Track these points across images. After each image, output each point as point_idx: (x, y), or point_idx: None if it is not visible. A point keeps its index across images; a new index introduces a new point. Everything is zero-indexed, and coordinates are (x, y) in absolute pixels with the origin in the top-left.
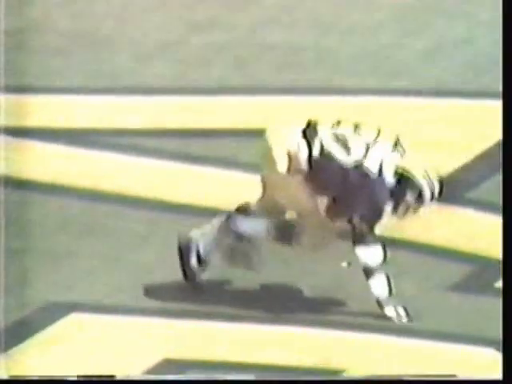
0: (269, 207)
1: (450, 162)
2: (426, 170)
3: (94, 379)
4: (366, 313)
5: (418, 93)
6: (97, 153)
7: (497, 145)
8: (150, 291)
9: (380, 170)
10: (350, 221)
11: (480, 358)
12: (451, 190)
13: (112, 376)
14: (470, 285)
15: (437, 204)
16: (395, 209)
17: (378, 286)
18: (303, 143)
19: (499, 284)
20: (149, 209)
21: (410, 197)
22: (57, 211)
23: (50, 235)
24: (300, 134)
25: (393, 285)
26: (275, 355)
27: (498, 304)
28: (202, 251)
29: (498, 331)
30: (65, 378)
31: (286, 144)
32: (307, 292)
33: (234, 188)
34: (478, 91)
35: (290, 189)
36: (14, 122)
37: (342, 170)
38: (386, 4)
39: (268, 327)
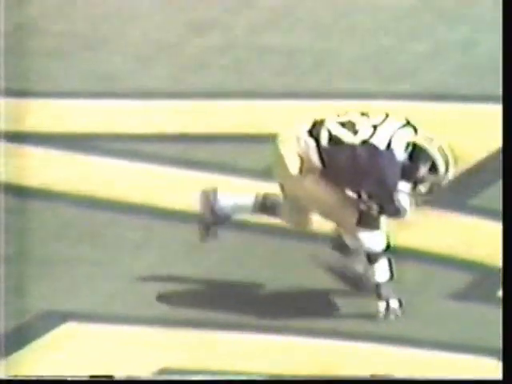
0: (292, 209)
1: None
2: (441, 144)
3: (94, 379)
4: (364, 320)
5: (419, 96)
6: (94, 158)
7: (497, 150)
8: (147, 300)
9: (389, 145)
10: (359, 200)
11: (480, 368)
12: (453, 197)
13: (111, 376)
14: (472, 293)
15: (438, 210)
16: (412, 184)
17: (381, 271)
18: (311, 141)
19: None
20: (146, 216)
21: (423, 169)
22: (53, 218)
23: (47, 242)
24: (307, 134)
25: (394, 269)
26: (278, 364)
27: (499, 313)
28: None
29: (499, 341)
30: (64, 378)
31: (295, 146)
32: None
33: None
34: (479, 95)
35: (307, 189)
36: (9, 127)
37: (351, 148)
38: (386, 6)
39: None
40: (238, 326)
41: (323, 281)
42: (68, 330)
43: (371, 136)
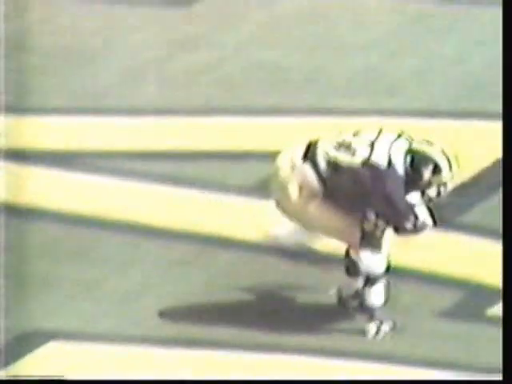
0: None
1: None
2: (440, 146)
3: (93, 379)
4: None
5: (410, 113)
6: (80, 175)
7: (489, 167)
8: (134, 318)
9: (389, 162)
10: (364, 220)
11: None
12: (443, 214)
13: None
14: (461, 311)
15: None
16: (420, 193)
17: (376, 294)
18: (307, 167)
19: (491, 311)
20: (134, 234)
21: (427, 173)
22: (38, 236)
23: (32, 261)
24: (302, 160)
25: (389, 293)
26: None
27: (489, 331)
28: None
29: (489, 358)
30: (64, 378)
31: (292, 174)
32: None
33: (222, 211)
34: (470, 111)
35: (310, 214)
36: None
37: (351, 170)
38: (377, 23)
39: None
40: (226, 344)
41: (313, 297)
42: (52, 348)
43: (370, 154)
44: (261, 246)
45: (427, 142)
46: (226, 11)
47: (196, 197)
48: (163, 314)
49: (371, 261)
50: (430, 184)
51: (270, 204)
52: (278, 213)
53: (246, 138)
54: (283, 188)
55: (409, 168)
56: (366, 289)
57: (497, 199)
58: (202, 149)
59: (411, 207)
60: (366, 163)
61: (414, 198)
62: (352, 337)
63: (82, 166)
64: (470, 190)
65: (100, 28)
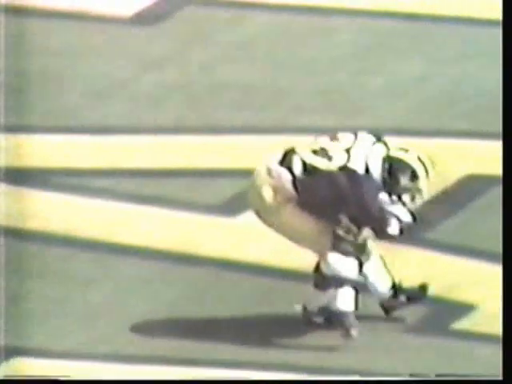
0: None
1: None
2: (417, 154)
3: (93, 379)
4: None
5: (376, 131)
6: (46, 193)
7: (454, 184)
8: (100, 336)
9: (367, 168)
10: (337, 224)
11: None
12: (408, 231)
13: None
14: (426, 326)
15: (393, 245)
16: (396, 197)
17: (345, 299)
18: (284, 171)
19: (455, 325)
20: (101, 250)
21: (403, 179)
22: (3, 253)
23: None
24: (278, 165)
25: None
26: None
27: (453, 345)
28: None
29: (455, 371)
30: (64, 378)
31: (267, 178)
32: None
33: (188, 229)
34: (435, 130)
35: (283, 219)
36: None
37: (328, 175)
38: (342, 41)
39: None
40: (195, 360)
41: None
42: (16, 365)
43: (347, 161)
44: (228, 263)
45: (403, 149)
46: (193, 30)
47: (164, 214)
48: (132, 331)
49: (339, 263)
50: (406, 190)
51: (237, 222)
52: (245, 230)
53: (213, 156)
54: (259, 193)
55: (386, 174)
56: (334, 292)
57: (463, 216)
58: (170, 167)
59: (391, 212)
60: (343, 169)
61: (390, 202)
62: (317, 352)
63: (48, 183)
64: (436, 206)
65: (67, 47)
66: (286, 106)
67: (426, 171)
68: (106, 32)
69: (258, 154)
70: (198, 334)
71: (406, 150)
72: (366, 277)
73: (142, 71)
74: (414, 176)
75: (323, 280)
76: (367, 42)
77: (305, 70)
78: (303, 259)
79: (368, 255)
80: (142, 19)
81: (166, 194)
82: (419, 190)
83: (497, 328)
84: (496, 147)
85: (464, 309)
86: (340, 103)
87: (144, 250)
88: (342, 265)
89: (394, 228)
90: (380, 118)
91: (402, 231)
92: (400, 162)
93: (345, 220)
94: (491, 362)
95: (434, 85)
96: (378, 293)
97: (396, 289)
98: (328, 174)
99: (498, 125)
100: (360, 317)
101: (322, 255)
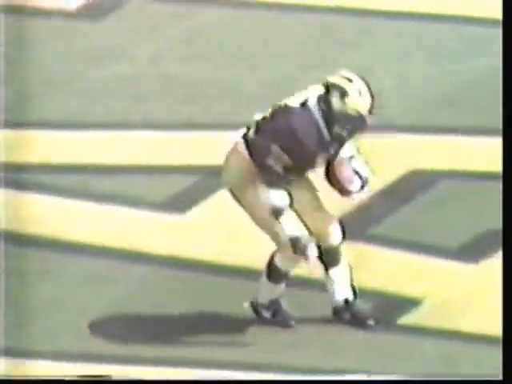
0: None
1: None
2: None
3: (93, 379)
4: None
5: None
6: None
7: (398, 180)
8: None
9: (304, 103)
10: (267, 153)
11: None
12: (352, 226)
13: (109, 376)
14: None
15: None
16: (335, 127)
17: (286, 225)
18: (240, 140)
19: (401, 320)
20: (50, 248)
21: (335, 101)
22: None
23: None
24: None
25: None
26: None
27: (400, 340)
28: None
29: (403, 369)
30: (64, 378)
31: (235, 155)
32: None
33: (134, 227)
34: (378, 124)
35: (249, 195)
36: None
37: (267, 118)
38: (290, 36)
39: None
40: (146, 360)
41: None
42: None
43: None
44: (176, 260)
45: (348, 78)
46: (139, 24)
47: (110, 211)
48: (78, 329)
49: (270, 194)
50: (341, 115)
51: (184, 219)
52: (192, 228)
53: (159, 152)
54: (229, 168)
55: (323, 106)
56: (277, 223)
57: (407, 211)
58: (116, 163)
59: (356, 172)
60: (281, 107)
61: (348, 150)
62: (264, 349)
63: None
64: (381, 201)
65: (13, 40)
66: (233, 100)
67: (359, 91)
68: (51, 25)
69: (206, 150)
70: (145, 333)
71: (350, 80)
72: (328, 280)
73: (88, 66)
74: (343, 94)
75: (277, 273)
76: (313, 36)
77: (252, 64)
78: (251, 256)
79: (338, 261)
80: (88, 12)
81: (112, 190)
82: (353, 113)
83: (443, 322)
84: (439, 142)
85: (410, 303)
86: (287, 97)
87: (89, 247)
88: (274, 196)
89: (355, 185)
90: None
91: (363, 187)
92: (335, 86)
93: (275, 148)
94: (437, 356)
95: (377, 79)
96: (333, 300)
97: (348, 304)
98: (267, 120)
99: (448, 119)
100: (307, 312)
101: (277, 243)
